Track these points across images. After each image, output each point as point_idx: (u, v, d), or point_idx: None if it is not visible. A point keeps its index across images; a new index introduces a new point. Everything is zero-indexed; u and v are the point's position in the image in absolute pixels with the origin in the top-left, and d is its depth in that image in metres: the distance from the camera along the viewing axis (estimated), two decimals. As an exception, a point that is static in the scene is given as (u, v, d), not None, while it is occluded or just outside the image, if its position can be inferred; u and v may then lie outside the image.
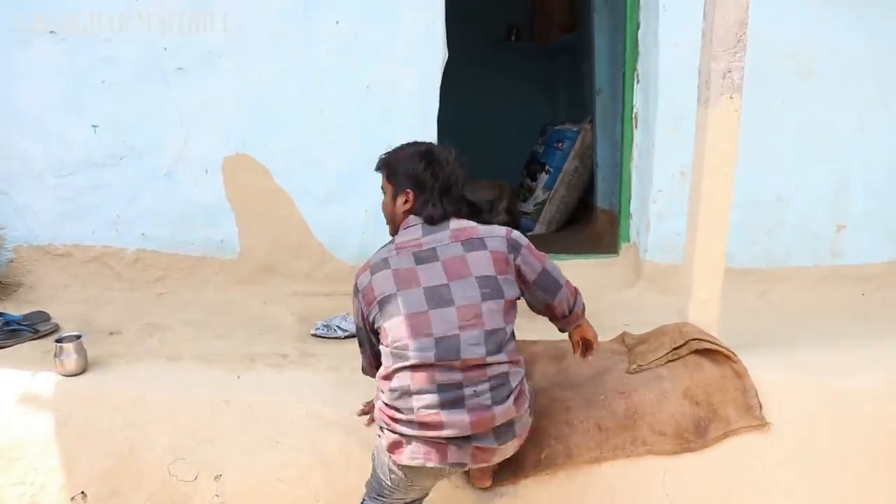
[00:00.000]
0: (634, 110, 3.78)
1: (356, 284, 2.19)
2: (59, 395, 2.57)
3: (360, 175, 3.50)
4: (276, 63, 3.41)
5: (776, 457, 2.52)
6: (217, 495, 2.41)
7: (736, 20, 2.49)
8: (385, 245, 2.22)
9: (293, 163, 3.50)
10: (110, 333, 3.11)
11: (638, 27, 3.70)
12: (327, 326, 3.23)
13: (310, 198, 3.54)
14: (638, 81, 3.73)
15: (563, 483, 2.47)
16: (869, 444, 2.55)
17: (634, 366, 2.67)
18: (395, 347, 2.06)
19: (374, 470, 2.18)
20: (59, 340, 2.68)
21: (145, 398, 2.57)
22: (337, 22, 3.40)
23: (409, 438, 2.04)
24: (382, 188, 2.29)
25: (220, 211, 3.51)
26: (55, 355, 2.65)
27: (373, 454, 2.20)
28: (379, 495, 2.16)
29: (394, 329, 2.07)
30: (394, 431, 2.06)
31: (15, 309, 3.19)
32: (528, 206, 5.41)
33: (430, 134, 3.55)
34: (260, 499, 2.42)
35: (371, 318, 2.15)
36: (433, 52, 3.49)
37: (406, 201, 2.23)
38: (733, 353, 2.60)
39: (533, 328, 2.69)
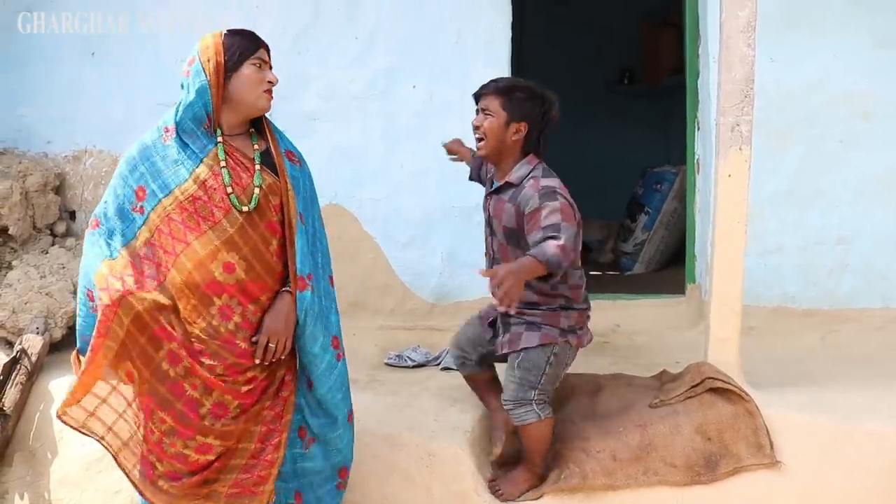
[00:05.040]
0: (696, 157, 3.91)
1: (571, 200, 2.46)
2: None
3: (437, 221, 3.93)
4: (363, 124, 3.89)
5: (787, 495, 2.60)
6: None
7: (742, 77, 2.66)
8: (554, 177, 2.51)
9: (378, 211, 3.92)
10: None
11: (698, 76, 3.85)
12: (399, 356, 3.61)
13: (393, 242, 3.94)
14: (698, 129, 3.86)
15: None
16: (882, 488, 2.56)
17: (657, 401, 2.84)
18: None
19: (545, 375, 2.57)
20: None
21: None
22: (414, 86, 3.85)
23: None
24: (487, 110, 2.50)
25: (317, 253, 4.00)
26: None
27: (542, 363, 2.56)
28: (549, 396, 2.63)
29: None
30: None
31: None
32: (628, 247, 5.53)
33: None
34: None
35: None
36: (500, 109, 3.83)
37: (517, 131, 2.51)
38: (745, 393, 2.70)
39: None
